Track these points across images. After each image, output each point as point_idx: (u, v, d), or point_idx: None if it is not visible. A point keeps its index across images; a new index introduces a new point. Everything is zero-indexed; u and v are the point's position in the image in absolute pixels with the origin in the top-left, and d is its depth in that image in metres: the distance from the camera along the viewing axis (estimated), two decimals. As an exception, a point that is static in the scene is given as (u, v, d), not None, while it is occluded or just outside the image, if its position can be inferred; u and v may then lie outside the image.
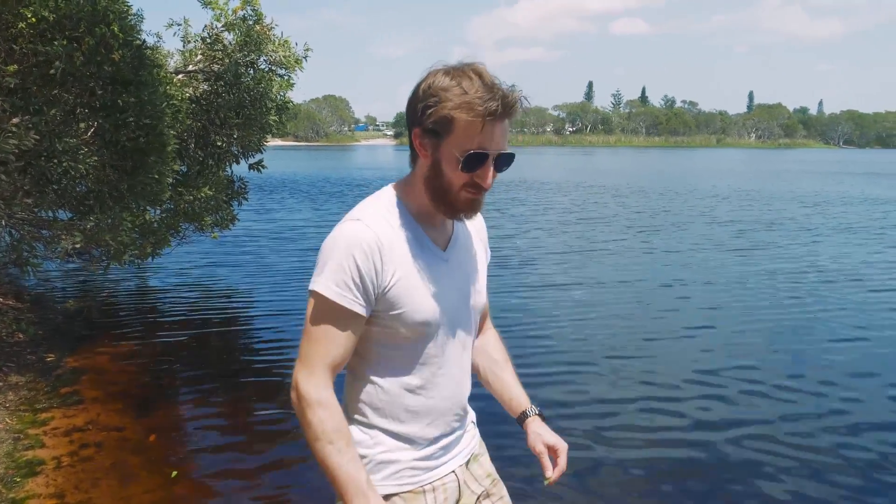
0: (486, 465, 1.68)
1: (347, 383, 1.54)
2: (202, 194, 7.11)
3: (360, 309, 1.39)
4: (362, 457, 1.48)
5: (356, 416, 1.51)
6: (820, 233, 13.15)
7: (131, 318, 6.52)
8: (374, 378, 1.49)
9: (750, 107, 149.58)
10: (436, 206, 1.43)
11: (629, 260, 10.20)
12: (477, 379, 1.72)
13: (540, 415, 1.66)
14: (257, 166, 7.79)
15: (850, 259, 10.26)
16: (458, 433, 1.59)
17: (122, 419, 4.06)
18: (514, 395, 1.69)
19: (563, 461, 1.60)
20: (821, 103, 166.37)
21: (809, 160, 60.24)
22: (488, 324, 1.79)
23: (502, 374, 1.72)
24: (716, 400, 4.56)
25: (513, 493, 1.71)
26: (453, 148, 1.35)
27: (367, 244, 1.37)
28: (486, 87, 1.32)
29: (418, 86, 1.38)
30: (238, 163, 7.64)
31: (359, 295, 1.38)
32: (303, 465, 3.59)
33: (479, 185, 1.38)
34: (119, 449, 3.68)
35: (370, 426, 1.50)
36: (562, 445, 1.61)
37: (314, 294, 1.39)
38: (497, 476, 1.70)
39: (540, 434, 1.62)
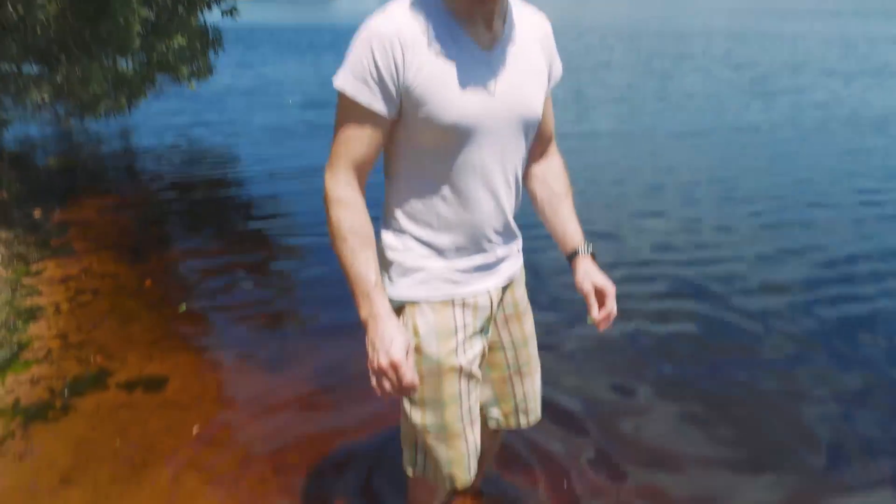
0: (518, 292, 1.66)
1: (386, 186, 1.50)
2: (175, 43, 6.77)
3: (380, 106, 1.33)
4: (392, 262, 1.47)
5: (391, 220, 1.49)
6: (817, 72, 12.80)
7: (116, 174, 6.43)
8: (407, 182, 1.44)
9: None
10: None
11: (636, 107, 9.98)
12: (533, 209, 1.65)
13: (592, 255, 1.58)
14: (230, 13, 7.35)
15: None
16: (496, 253, 1.54)
17: (115, 267, 4.10)
18: (570, 230, 1.60)
19: (611, 304, 1.52)
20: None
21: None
22: (553, 149, 1.68)
23: (560, 208, 1.62)
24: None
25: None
26: None
27: (387, 37, 1.29)
28: None
29: None
30: (210, 8, 7.21)
31: (377, 91, 1.31)
32: (303, 303, 3.68)
33: None
34: (116, 294, 3.74)
35: (402, 231, 1.47)
36: (610, 288, 1.52)
37: (337, 91, 1.35)
38: (525, 302, 1.68)
39: (589, 273, 1.53)
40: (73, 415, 2.69)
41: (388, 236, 1.50)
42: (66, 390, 2.84)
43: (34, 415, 2.67)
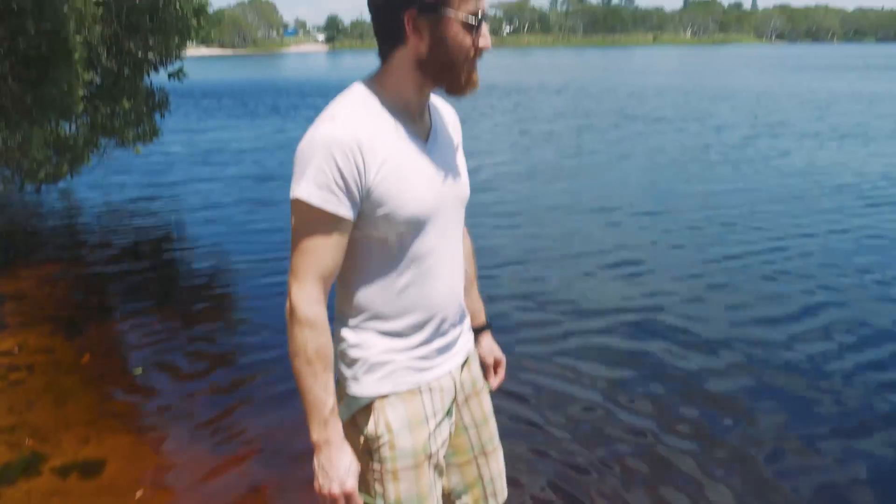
0: (474, 369, 1.69)
1: (338, 287, 1.50)
2: (120, 107, 6.74)
3: (346, 212, 1.34)
4: (355, 359, 1.47)
5: (347, 316, 1.49)
6: (746, 129, 13.48)
7: (55, 241, 6.27)
8: (363, 279, 1.45)
9: (686, 3, 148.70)
10: (440, 82, 1.39)
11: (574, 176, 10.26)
12: None
13: (491, 329, 1.83)
14: (177, 75, 7.36)
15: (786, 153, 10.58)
16: (453, 333, 1.57)
17: (52, 341, 3.97)
18: (478, 308, 1.79)
19: (502, 372, 1.83)
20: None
21: (744, 55, 60.90)
22: (464, 231, 1.76)
23: (471, 288, 1.76)
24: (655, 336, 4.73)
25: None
26: (459, 13, 1.32)
27: (346, 143, 1.30)
28: None
29: None
30: (157, 71, 7.22)
31: (343, 197, 1.32)
32: (246, 373, 3.62)
33: (482, 47, 1.38)
34: (52, 370, 3.62)
35: (361, 327, 1.47)
36: (504, 360, 1.83)
37: (297, 202, 1.32)
38: (481, 380, 1.72)
39: (493, 349, 1.81)
40: (1, 506, 2.57)
41: (347, 333, 1.49)
42: (-6, 479, 2.71)
43: (-42, 508, 2.54)
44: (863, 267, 5.13)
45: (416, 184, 1.39)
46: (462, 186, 1.53)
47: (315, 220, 1.34)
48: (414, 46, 1.35)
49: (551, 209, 7.18)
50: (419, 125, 1.44)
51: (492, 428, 1.73)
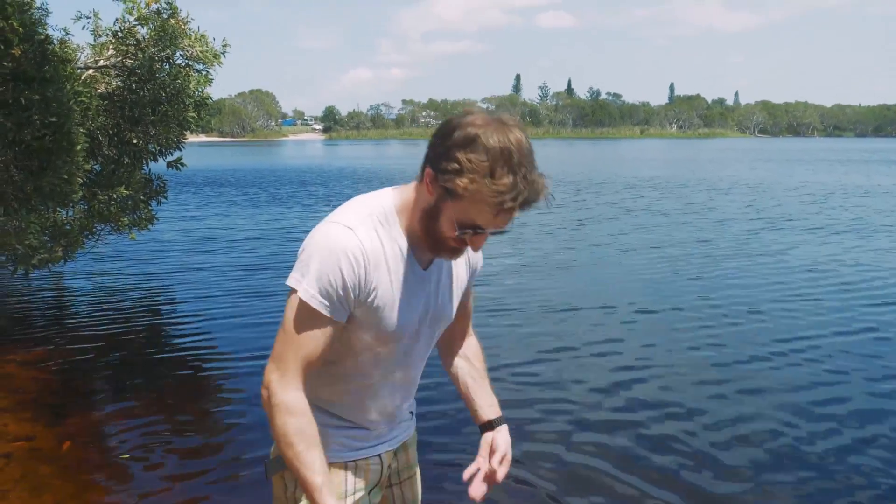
0: (411, 454, 1.74)
1: None
2: (118, 194, 6.89)
3: (340, 317, 1.41)
4: None
5: None
6: (727, 217, 13.78)
7: (44, 324, 6.26)
8: (325, 369, 1.49)
9: (671, 98, 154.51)
10: (422, 238, 1.43)
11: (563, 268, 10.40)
12: (453, 383, 1.76)
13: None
14: (176, 164, 7.57)
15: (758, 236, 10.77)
16: (395, 421, 1.64)
17: (32, 428, 3.92)
18: (486, 403, 1.72)
19: (504, 469, 1.67)
20: (737, 94, 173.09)
21: (728, 148, 62.80)
22: (471, 331, 1.82)
23: (483, 382, 1.76)
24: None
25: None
26: (458, 213, 1.33)
27: (354, 255, 1.36)
28: (515, 182, 1.27)
29: (452, 125, 1.32)
30: (156, 160, 7.43)
31: (340, 304, 1.39)
32: (229, 460, 3.57)
33: (469, 245, 1.40)
34: (29, 459, 3.56)
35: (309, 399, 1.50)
36: (509, 456, 1.67)
37: (295, 297, 1.38)
38: (416, 464, 1.76)
39: (509, 443, 1.68)
40: None
41: None
42: (-38, 574, 2.63)
43: None
44: (870, 367, 5.04)
45: (402, 312, 1.47)
46: (447, 314, 1.59)
47: (309, 318, 1.40)
48: (426, 195, 1.38)
49: (550, 304, 7.09)
50: (425, 253, 1.48)
51: None
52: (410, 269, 1.47)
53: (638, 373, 4.99)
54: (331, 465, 1.52)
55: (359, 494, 1.58)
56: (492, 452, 1.67)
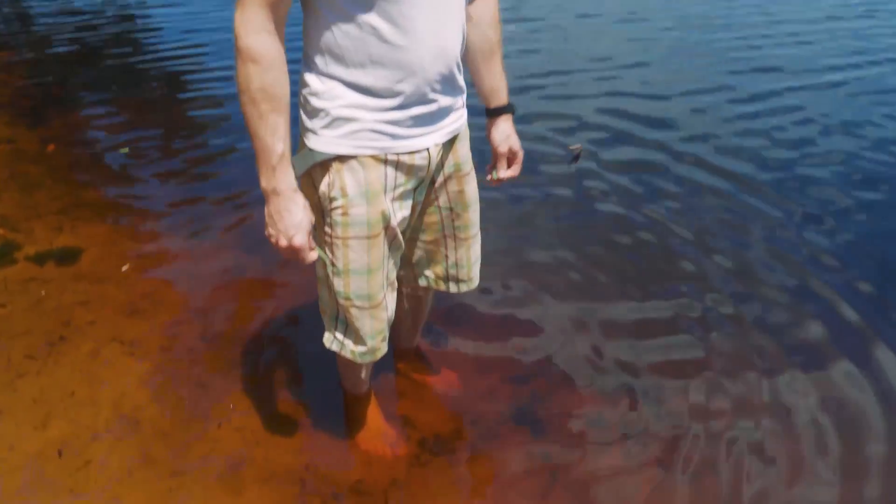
0: (462, 151, 1.50)
1: (304, 22, 1.28)
2: None
3: None
4: (318, 110, 1.28)
5: (313, 61, 1.27)
6: None
7: (8, 28, 5.75)
8: (331, 16, 1.21)
9: None
10: None
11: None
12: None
13: (513, 113, 1.59)
14: None
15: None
16: (438, 104, 1.34)
17: (12, 131, 3.72)
18: (499, 85, 1.55)
19: (518, 169, 1.62)
20: None
21: None
22: None
23: (493, 59, 1.51)
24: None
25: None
26: None
27: None
28: None
29: None
30: None
31: None
32: (226, 158, 3.44)
33: None
34: (15, 160, 3.41)
35: (329, 76, 1.26)
36: (521, 154, 1.61)
37: None
38: (469, 163, 1.54)
39: (510, 136, 1.58)
40: (-22, 292, 2.49)
41: (311, 79, 1.29)
42: (-33, 266, 2.61)
43: (-67, 293, 2.46)
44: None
45: None
46: None
47: None
48: None
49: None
50: None
51: (471, 217, 1.58)
52: None
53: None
54: (369, 159, 1.31)
55: (400, 190, 1.38)
56: (511, 153, 1.59)
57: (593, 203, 3.10)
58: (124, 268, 2.49)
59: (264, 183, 1.25)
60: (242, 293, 2.49)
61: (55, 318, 2.35)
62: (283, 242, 1.27)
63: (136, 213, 3.01)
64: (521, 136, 1.62)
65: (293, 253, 1.29)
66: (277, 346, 2.25)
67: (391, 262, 1.48)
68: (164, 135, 3.74)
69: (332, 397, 2.02)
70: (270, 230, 1.29)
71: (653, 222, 2.95)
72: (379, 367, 2.03)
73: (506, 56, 1.56)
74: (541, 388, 2.10)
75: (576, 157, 3.29)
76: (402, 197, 1.40)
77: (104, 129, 3.80)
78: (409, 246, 1.62)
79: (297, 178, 1.30)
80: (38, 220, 2.92)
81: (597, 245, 2.80)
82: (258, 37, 1.15)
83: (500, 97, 1.55)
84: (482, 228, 1.65)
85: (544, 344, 2.28)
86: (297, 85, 1.31)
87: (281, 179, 1.23)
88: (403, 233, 1.50)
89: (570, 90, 4.36)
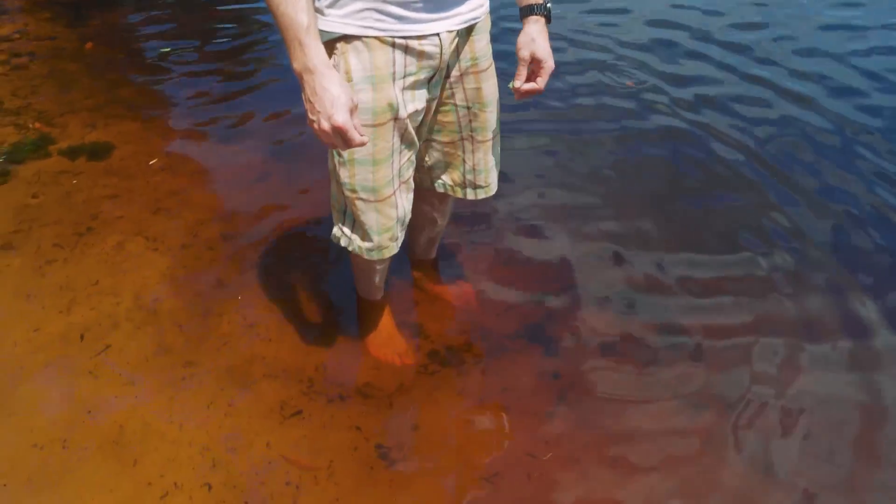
0: (480, 44, 1.41)
1: None
2: None
3: None
4: None
5: None
6: None
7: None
8: None
9: None
10: None
11: None
12: None
13: (547, 17, 1.38)
14: None
15: None
16: None
17: (53, 28, 3.72)
18: None
19: (542, 82, 1.38)
20: None
21: None
22: None
23: None
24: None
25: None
26: None
27: None
28: None
29: None
30: None
31: None
32: (262, 64, 3.39)
33: None
34: (54, 57, 3.42)
35: None
36: (550, 64, 1.37)
37: None
38: (488, 57, 1.44)
39: (535, 40, 1.35)
40: (13, 181, 2.54)
41: None
42: (3, 157, 2.66)
43: (-31, 180, 2.52)
44: None
45: None
46: None
47: None
48: None
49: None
50: None
51: (489, 117, 1.49)
52: None
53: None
54: (374, 40, 1.25)
55: (411, 80, 1.31)
56: (535, 62, 1.36)
57: (651, 135, 2.96)
58: (152, 162, 2.51)
59: (295, 63, 1.17)
60: (267, 196, 2.49)
61: (84, 211, 2.39)
62: (325, 125, 1.17)
63: (168, 114, 3.01)
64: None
65: (339, 135, 1.17)
66: (297, 250, 2.25)
67: (404, 157, 1.43)
68: (204, 37, 3.69)
69: (347, 303, 2.03)
70: (311, 115, 1.20)
71: (723, 162, 2.74)
72: (394, 275, 2.02)
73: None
74: (559, 310, 2.06)
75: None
76: (413, 87, 1.34)
77: (143, 29, 3.77)
78: (426, 148, 1.57)
79: None
80: (73, 115, 2.94)
81: (650, 180, 2.65)
82: None
83: None
84: (514, 133, 1.55)
85: (571, 267, 2.22)
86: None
87: (312, 55, 1.15)
88: (418, 130, 1.45)
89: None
